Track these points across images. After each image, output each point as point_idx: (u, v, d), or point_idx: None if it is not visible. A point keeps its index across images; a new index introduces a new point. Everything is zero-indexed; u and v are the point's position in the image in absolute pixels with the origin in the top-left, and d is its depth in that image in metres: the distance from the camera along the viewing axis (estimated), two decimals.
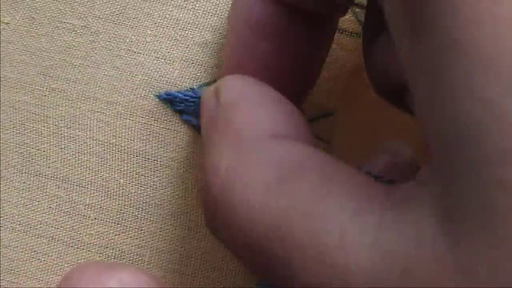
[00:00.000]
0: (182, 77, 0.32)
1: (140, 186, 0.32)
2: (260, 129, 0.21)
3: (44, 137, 0.32)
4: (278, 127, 0.21)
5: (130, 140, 0.32)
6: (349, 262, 0.17)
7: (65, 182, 0.32)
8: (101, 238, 0.31)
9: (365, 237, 0.17)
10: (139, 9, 0.32)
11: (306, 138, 0.22)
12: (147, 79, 0.32)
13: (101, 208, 0.32)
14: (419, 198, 0.17)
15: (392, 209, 0.17)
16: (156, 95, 0.32)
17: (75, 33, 0.32)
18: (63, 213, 0.32)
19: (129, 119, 0.32)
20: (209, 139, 0.23)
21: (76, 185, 0.32)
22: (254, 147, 0.21)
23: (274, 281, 0.19)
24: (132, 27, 0.32)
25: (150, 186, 0.32)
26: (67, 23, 0.32)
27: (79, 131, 0.32)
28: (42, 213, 0.32)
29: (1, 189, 0.32)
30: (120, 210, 0.31)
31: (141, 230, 0.31)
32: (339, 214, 0.17)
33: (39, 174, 0.32)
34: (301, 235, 0.18)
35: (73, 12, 0.32)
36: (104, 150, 0.32)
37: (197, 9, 0.32)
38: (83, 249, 0.32)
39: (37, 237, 0.32)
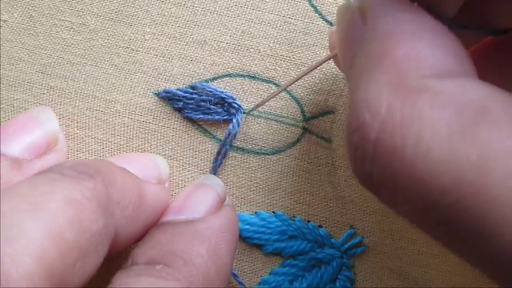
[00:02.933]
0: (181, 74, 0.32)
1: None
2: (425, 66, 0.18)
3: None
4: (444, 63, 0.19)
5: (129, 138, 0.32)
6: None
7: None
8: None
9: None
10: (138, 7, 0.32)
11: (474, 73, 0.19)
12: (145, 77, 0.32)
13: None
14: None
15: None
16: (155, 93, 0.32)
17: (73, 31, 0.32)
18: None
19: (128, 117, 0.32)
20: (356, 66, 0.20)
21: None
22: (421, 87, 0.18)
23: (452, 237, 0.17)
24: (130, 25, 0.32)
25: None
26: (65, 20, 0.32)
27: (77, 129, 0.32)
28: None
29: None
30: None
31: None
32: None
33: None
34: (503, 190, 0.16)
35: (71, 9, 0.32)
36: (102, 148, 0.32)
37: (196, 7, 0.32)
38: None
39: None
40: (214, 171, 0.31)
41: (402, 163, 0.17)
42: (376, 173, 0.18)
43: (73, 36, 0.32)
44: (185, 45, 0.32)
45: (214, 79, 0.32)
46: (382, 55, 0.19)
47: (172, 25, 0.32)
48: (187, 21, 0.32)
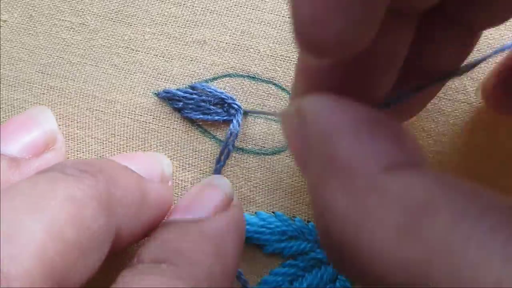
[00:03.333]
0: (181, 74, 0.32)
1: None
2: (370, 163, 0.19)
3: None
4: (388, 156, 0.19)
5: (129, 138, 0.32)
6: None
7: None
8: None
9: None
10: (137, 7, 0.32)
11: (419, 159, 0.20)
12: (145, 77, 0.32)
13: None
14: None
15: None
16: (155, 93, 0.32)
17: (73, 31, 0.32)
18: None
19: (128, 117, 0.32)
20: (309, 170, 0.21)
21: None
22: (369, 186, 0.18)
23: None
24: (130, 25, 0.32)
25: None
26: (65, 20, 0.32)
27: (77, 130, 0.32)
28: None
29: None
30: None
31: None
32: (487, 261, 0.15)
33: None
34: (449, 286, 0.16)
35: (71, 9, 0.32)
36: (103, 148, 0.32)
37: (196, 7, 0.32)
38: None
39: None
40: (217, 172, 0.31)
41: (363, 264, 0.18)
42: (347, 270, 0.20)
43: (73, 36, 0.32)
44: (185, 45, 0.32)
45: (214, 79, 0.32)
46: (328, 160, 0.20)
47: (172, 25, 0.32)
48: (187, 21, 0.32)
